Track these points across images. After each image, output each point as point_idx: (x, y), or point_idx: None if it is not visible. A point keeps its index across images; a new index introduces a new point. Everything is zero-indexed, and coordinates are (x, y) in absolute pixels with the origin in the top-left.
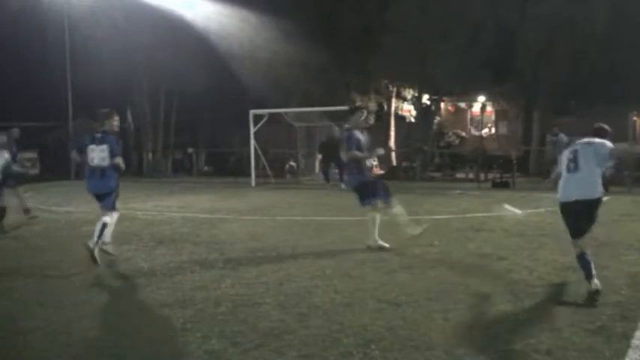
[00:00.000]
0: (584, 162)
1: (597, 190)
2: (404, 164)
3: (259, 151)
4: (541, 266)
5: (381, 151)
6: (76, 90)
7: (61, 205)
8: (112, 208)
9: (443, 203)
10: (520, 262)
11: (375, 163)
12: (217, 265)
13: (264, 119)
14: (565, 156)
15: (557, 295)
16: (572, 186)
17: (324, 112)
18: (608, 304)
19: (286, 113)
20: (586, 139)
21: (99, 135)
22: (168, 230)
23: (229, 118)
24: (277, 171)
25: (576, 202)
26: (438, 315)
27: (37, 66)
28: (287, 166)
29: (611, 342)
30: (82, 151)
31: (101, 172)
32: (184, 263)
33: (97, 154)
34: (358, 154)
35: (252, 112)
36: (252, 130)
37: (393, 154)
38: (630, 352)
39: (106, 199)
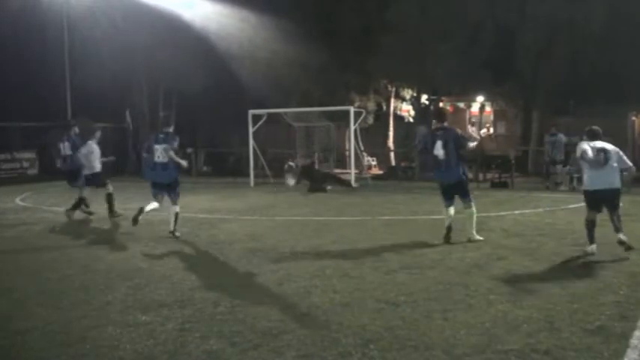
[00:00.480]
0: (611, 160)
1: (619, 182)
2: (403, 164)
3: (258, 151)
4: (540, 266)
5: (475, 134)
6: (75, 90)
7: (60, 205)
8: (178, 198)
9: (442, 203)
10: (519, 261)
11: (374, 163)
12: (216, 265)
13: (263, 119)
14: (590, 154)
15: (555, 295)
16: (603, 177)
17: (323, 112)
18: (607, 303)
19: (285, 113)
20: (599, 143)
21: (161, 135)
22: (167, 230)
23: (228, 118)
24: (276, 171)
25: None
26: (437, 315)
27: (36, 66)
28: (286, 166)
29: (609, 342)
30: (150, 151)
31: (162, 166)
32: (183, 263)
33: (160, 152)
34: (470, 144)
35: (251, 112)
36: (251, 130)
37: (392, 154)
38: (629, 352)
39: (171, 192)
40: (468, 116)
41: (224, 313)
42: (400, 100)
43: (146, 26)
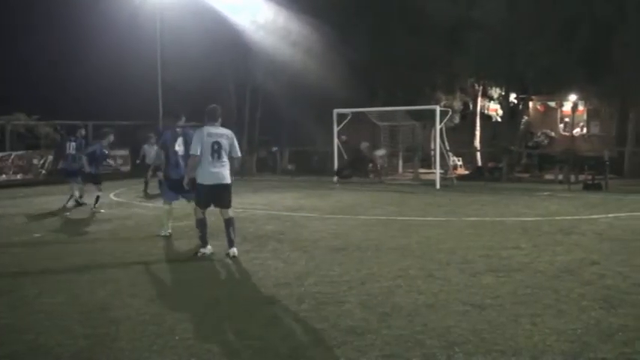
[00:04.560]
0: None
1: None
2: (490, 165)
3: (342, 151)
4: (636, 272)
5: None
6: (166, 89)
7: (151, 201)
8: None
9: (530, 205)
10: (613, 267)
11: (460, 163)
12: (300, 263)
13: (348, 118)
14: None
15: None
16: None
17: (408, 112)
18: None
19: (370, 112)
20: None
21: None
22: (252, 227)
23: (313, 117)
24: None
25: None
26: (524, 320)
27: (130, 67)
28: (370, 165)
29: None
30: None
31: None
32: (268, 260)
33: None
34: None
35: (335, 111)
36: (336, 128)
37: (479, 155)
38: None
39: None
40: (559, 115)
41: (308, 311)
42: (488, 99)
43: (232, 27)
